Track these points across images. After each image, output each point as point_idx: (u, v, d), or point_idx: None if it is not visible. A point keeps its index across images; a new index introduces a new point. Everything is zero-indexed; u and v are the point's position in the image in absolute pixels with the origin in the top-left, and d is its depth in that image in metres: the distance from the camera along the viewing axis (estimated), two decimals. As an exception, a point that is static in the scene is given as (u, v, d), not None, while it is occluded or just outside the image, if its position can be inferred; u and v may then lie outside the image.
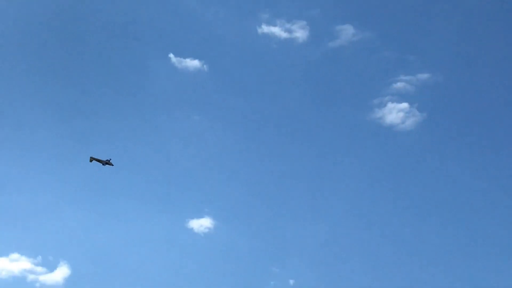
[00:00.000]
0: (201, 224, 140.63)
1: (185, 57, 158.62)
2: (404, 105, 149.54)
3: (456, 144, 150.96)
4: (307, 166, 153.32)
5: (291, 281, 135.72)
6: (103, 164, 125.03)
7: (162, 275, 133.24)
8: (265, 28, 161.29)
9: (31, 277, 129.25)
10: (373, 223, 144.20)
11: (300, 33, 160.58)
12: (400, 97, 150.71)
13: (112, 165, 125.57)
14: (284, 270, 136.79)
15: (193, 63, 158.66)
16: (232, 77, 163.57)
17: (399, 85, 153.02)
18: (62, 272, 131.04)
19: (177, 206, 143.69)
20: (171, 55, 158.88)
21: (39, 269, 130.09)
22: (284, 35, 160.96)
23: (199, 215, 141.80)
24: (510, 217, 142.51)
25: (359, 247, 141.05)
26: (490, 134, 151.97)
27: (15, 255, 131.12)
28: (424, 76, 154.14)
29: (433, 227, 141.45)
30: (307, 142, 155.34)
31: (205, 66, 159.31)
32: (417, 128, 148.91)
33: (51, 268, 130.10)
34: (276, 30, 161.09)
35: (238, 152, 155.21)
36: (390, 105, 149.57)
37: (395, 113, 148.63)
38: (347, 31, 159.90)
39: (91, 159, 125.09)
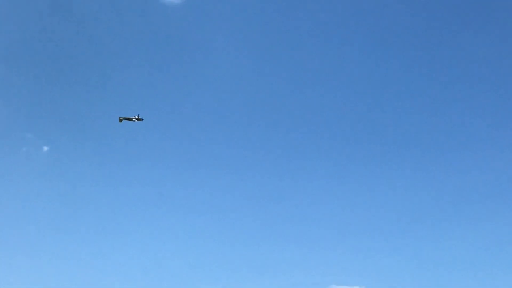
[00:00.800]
0: None
1: None
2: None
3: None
4: (67, 38, 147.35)
5: (45, 148, 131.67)
6: (134, 121, 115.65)
7: None
8: None
9: None
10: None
11: None
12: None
13: (142, 119, 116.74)
14: (37, 136, 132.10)
15: None
16: None
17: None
18: None
19: None
20: None
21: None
22: None
23: None
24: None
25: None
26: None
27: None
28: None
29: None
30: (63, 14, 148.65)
31: None
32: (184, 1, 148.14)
33: None
34: None
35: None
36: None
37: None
38: None
39: (121, 119, 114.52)
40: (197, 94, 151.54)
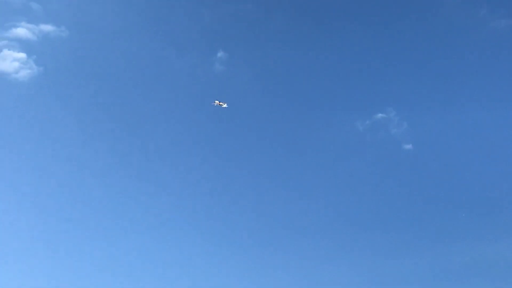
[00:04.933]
0: None
1: None
2: (22, 55, 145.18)
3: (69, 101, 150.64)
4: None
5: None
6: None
7: None
8: None
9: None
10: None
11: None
12: (19, 45, 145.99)
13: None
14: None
15: None
16: None
17: (20, 31, 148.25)
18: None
19: None
20: None
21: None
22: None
23: None
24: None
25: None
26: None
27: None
28: (47, 27, 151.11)
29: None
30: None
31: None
32: (31, 80, 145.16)
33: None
34: None
35: None
36: (6, 52, 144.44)
37: (9, 61, 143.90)
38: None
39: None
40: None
